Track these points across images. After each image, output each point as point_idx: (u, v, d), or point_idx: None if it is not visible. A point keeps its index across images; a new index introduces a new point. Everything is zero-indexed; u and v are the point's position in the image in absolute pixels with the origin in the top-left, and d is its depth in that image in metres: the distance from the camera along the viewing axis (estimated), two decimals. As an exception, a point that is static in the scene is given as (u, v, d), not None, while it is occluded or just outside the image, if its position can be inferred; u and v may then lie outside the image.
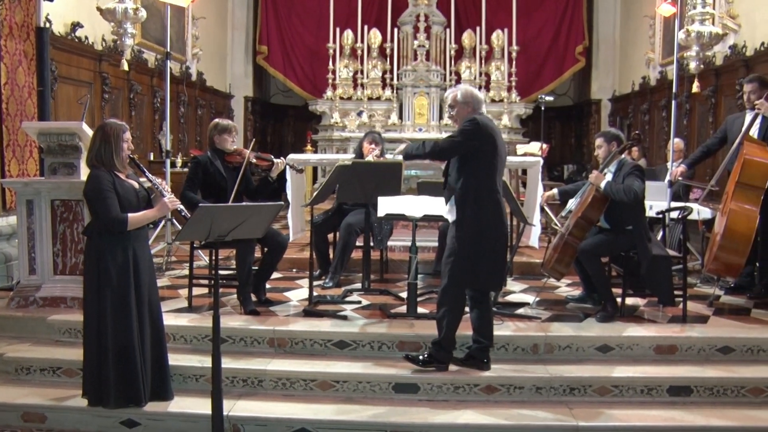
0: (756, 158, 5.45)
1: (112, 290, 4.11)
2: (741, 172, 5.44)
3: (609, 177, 5.37)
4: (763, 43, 8.23)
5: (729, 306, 5.82)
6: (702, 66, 8.24)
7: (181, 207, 4.32)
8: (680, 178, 6.62)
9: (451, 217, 4.56)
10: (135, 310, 4.16)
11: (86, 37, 8.64)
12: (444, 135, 10.37)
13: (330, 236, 6.70)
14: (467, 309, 4.66)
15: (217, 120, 5.86)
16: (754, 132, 5.86)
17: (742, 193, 5.43)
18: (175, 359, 4.65)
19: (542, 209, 7.21)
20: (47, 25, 7.31)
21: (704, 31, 7.68)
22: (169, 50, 7.71)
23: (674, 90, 7.31)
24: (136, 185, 4.32)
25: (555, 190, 6.00)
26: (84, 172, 5.40)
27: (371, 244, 6.16)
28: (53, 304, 5.35)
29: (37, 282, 5.46)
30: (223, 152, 5.66)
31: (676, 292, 5.33)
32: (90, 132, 5.41)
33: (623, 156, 5.45)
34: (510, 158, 7.07)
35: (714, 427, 4.22)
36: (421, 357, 4.58)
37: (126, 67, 8.46)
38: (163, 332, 4.40)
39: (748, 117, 6.01)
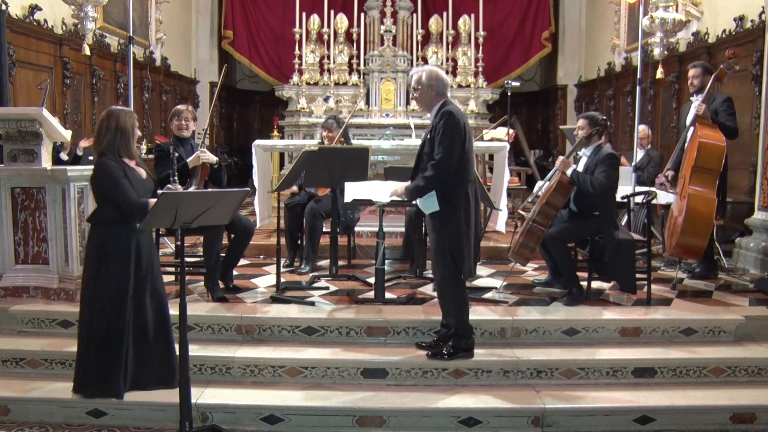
0: (710, 140, 5.52)
1: (109, 280, 4.05)
2: (697, 155, 5.52)
3: (583, 161, 5.43)
4: (724, 30, 8.35)
5: (692, 288, 5.93)
6: (666, 52, 8.34)
7: None
8: (668, 183, 6.50)
9: (425, 209, 4.48)
10: (130, 302, 4.08)
11: (45, 21, 8.44)
12: (411, 120, 10.37)
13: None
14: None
15: (175, 108, 5.83)
16: (694, 115, 5.94)
17: (699, 177, 5.51)
18: (141, 348, 4.61)
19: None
20: (3, 7, 7.13)
21: (668, 17, 7.77)
22: (132, 34, 7.56)
23: (639, 76, 7.39)
24: (144, 174, 4.26)
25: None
26: (45, 159, 5.31)
27: (337, 229, 6.15)
28: (15, 294, 5.25)
29: (-3, 271, 5.35)
30: (184, 139, 5.65)
31: (639, 276, 5.41)
32: (51, 118, 5.31)
33: (600, 142, 5.52)
34: (477, 143, 7.09)
35: (677, 407, 4.30)
36: (445, 351, 4.54)
37: (88, 52, 8.29)
38: (168, 320, 4.27)
39: (694, 103, 6.10)
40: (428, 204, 4.45)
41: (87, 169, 5.42)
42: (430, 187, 4.38)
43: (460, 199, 4.38)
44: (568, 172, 5.32)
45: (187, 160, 5.45)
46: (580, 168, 5.44)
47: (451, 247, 4.38)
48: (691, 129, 5.90)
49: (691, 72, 6.21)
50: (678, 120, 6.43)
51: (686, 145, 5.94)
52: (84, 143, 8.50)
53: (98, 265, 4.06)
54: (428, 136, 4.48)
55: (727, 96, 6.15)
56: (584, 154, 5.49)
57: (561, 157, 5.49)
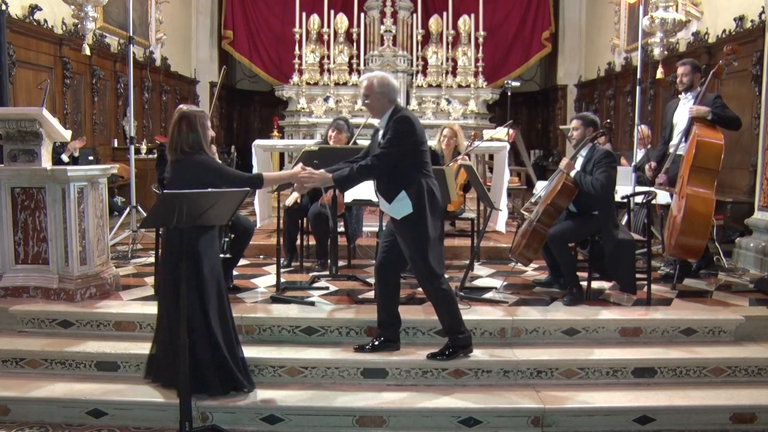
0: (708, 139, 5.52)
1: (217, 278, 4.18)
2: (695, 155, 5.51)
3: (579, 161, 5.42)
4: (724, 30, 8.35)
5: (692, 289, 5.93)
6: (666, 52, 8.35)
7: None
8: (650, 173, 6.51)
9: (398, 214, 4.39)
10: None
11: (45, 21, 8.44)
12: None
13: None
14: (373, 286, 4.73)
15: (180, 106, 5.78)
16: (683, 114, 5.95)
17: (697, 177, 5.51)
18: (141, 348, 4.62)
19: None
20: (3, 7, 7.13)
21: (668, 17, 7.78)
22: (132, 34, 7.57)
23: (639, 76, 7.39)
24: None
25: None
26: (46, 159, 5.30)
27: (338, 229, 6.15)
28: (15, 294, 5.24)
29: (-3, 272, 5.34)
30: None
31: (639, 276, 5.41)
32: (51, 118, 5.31)
33: (594, 142, 5.52)
34: (476, 143, 7.10)
35: (677, 407, 4.30)
36: (445, 351, 4.55)
37: (88, 52, 8.30)
38: None
39: (683, 101, 6.09)
40: (401, 208, 4.36)
41: (88, 169, 5.44)
42: (359, 179, 4.43)
43: (427, 197, 4.36)
44: (572, 174, 5.33)
45: None
46: (577, 167, 5.44)
47: (425, 249, 4.35)
48: (683, 129, 5.92)
49: (680, 69, 6.18)
50: (664, 116, 6.39)
51: (679, 143, 5.92)
52: (78, 144, 8.51)
53: (200, 264, 4.12)
54: (380, 141, 4.42)
55: (716, 94, 6.15)
56: (580, 154, 5.49)
57: (565, 159, 5.49)
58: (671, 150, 6.16)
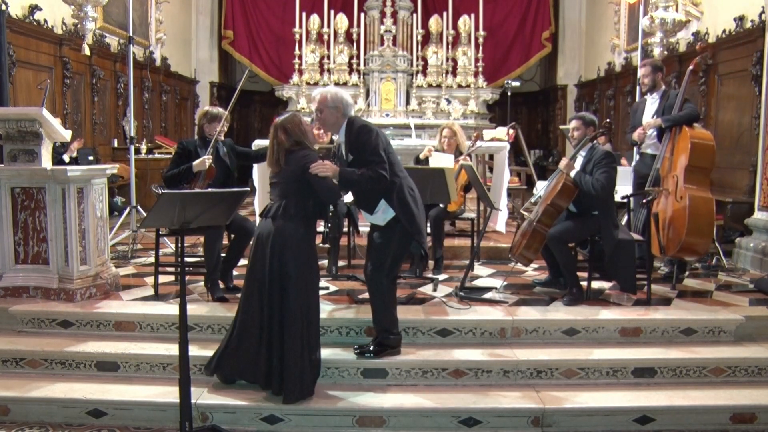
0: (700, 140, 5.53)
1: (315, 273, 4.27)
2: (691, 155, 5.51)
3: (579, 161, 5.42)
4: (724, 30, 8.35)
5: (692, 288, 5.93)
6: (666, 52, 8.34)
7: None
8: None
9: (384, 221, 4.48)
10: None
11: (45, 21, 8.44)
12: (411, 120, 10.38)
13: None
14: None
15: (206, 108, 5.79)
16: (651, 114, 5.97)
17: (693, 176, 5.51)
18: (141, 348, 4.63)
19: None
20: (3, 7, 7.12)
21: (668, 17, 7.79)
22: (132, 34, 7.57)
23: (638, 76, 7.38)
24: None
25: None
26: (46, 159, 5.30)
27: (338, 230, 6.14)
28: (15, 294, 5.24)
29: (-3, 272, 5.34)
30: (209, 140, 5.61)
31: (639, 276, 5.41)
32: (51, 118, 5.31)
33: (594, 142, 5.51)
34: (478, 143, 7.10)
35: (677, 407, 4.30)
36: (372, 348, 4.57)
37: (88, 52, 8.31)
38: None
39: (649, 102, 6.09)
40: (384, 214, 4.46)
41: (88, 169, 5.44)
42: (362, 184, 4.36)
43: (408, 194, 4.42)
44: (572, 174, 5.33)
45: (193, 164, 5.41)
46: (577, 167, 5.43)
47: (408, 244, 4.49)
48: (655, 133, 5.95)
49: (641, 71, 6.16)
50: (631, 118, 6.35)
51: (663, 149, 5.89)
52: (76, 145, 8.51)
53: (313, 260, 4.24)
54: (349, 156, 4.44)
55: (677, 91, 6.12)
56: (580, 154, 5.49)
57: (564, 159, 5.48)
58: (647, 151, 6.14)
